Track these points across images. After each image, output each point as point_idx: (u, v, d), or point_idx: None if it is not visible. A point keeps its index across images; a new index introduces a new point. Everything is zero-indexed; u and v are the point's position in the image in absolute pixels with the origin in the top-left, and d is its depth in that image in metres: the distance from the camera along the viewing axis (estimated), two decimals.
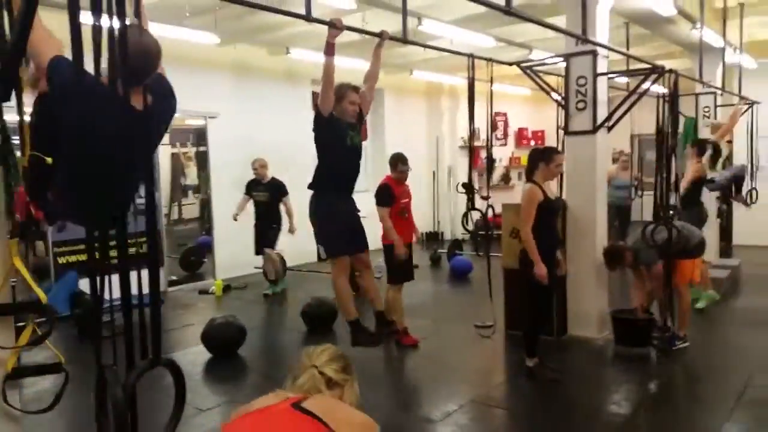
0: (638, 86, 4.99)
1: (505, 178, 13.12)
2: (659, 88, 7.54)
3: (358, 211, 4.26)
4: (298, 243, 7.19)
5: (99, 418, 1.49)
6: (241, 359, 4.87)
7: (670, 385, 4.37)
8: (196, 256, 8.57)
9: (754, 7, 7.58)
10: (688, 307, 4.86)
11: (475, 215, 5.24)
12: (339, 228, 4.08)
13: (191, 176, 9.77)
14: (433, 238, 11.58)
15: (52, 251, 6.25)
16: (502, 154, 13.13)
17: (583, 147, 5.01)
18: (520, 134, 13.63)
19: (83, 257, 5.81)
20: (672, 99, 4.72)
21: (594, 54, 4.85)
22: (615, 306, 5.21)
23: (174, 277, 7.98)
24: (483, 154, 12.17)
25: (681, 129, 8.52)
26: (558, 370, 4.36)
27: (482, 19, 6.84)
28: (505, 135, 13.30)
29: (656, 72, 4.83)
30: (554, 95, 5.45)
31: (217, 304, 7.00)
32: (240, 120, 8.25)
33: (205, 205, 8.58)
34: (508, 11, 3.19)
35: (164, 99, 1.81)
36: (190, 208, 9.78)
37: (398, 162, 5.17)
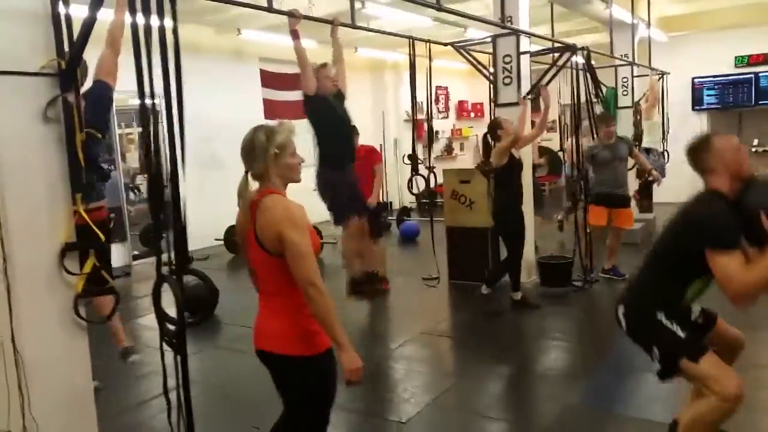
0: (556, 62, 5.72)
1: (448, 149, 13.84)
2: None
3: (355, 180, 4.83)
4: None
5: (157, 306, 2.12)
6: (214, 315, 5.40)
7: (587, 312, 5.25)
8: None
9: None
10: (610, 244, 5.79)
11: (419, 180, 5.94)
12: (342, 197, 4.63)
13: (133, 159, 10.05)
14: (382, 207, 12.23)
15: None
16: (445, 126, 13.84)
17: (510, 117, 5.71)
18: (461, 107, 14.36)
19: None
20: (585, 72, 5.48)
21: (517, 35, 5.53)
22: (540, 255, 6.04)
23: (136, 252, 8.35)
24: (426, 126, 12.92)
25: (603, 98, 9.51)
26: (537, 304, 5.19)
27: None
28: (447, 108, 14.00)
29: (570, 49, 5.56)
30: (485, 71, 6.13)
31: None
32: (191, 98, 8.54)
33: None
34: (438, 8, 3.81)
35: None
36: (145, 187, 10.11)
37: None
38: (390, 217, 10.22)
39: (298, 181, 2.16)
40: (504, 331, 4.77)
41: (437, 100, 13.57)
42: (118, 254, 7.53)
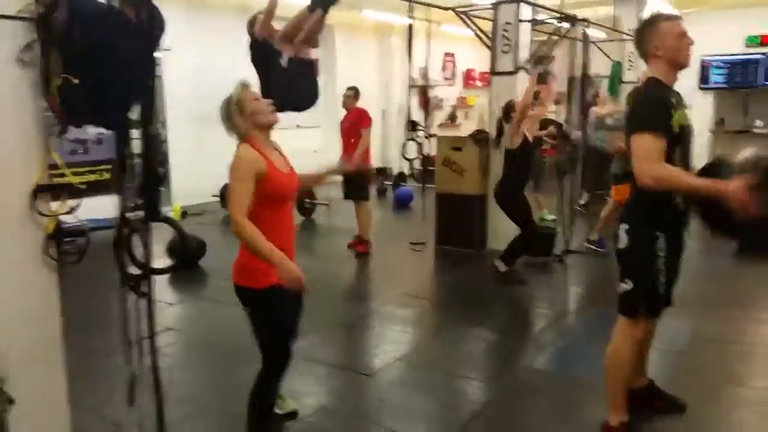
0: (554, 33, 5.68)
1: (452, 117, 13.70)
2: (596, 33, 8.22)
3: None
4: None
5: (117, 251, 2.21)
6: (201, 268, 5.53)
7: (563, 279, 5.37)
8: None
9: None
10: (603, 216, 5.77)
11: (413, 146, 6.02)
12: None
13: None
14: (382, 172, 12.22)
15: None
16: (450, 94, 13.72)
17: (506, 86, 5.71)
18: (468, 75, 14.19)
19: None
20: (584, 45, 5.46)
21: (518, 2, 5.49)
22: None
23: (132, 205, 8.47)
24: (431, 93, 12.81)
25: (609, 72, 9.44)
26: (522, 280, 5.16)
27: None
28: (453, 76, 13.86)
29: (570, 20, 5.51)
30: (485, 39, 6.09)
31: None
32: (194, 53, 8.55)
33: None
34: None
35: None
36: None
37: None
38: (387, 182, 10.29)
39: (271, 121, 2.35)
40: (483, 296, 4.87)
41: (444, 67, 13.44)
42: (114, 206, 7.67)
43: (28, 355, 2.22)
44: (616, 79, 9.32)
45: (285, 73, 4.44)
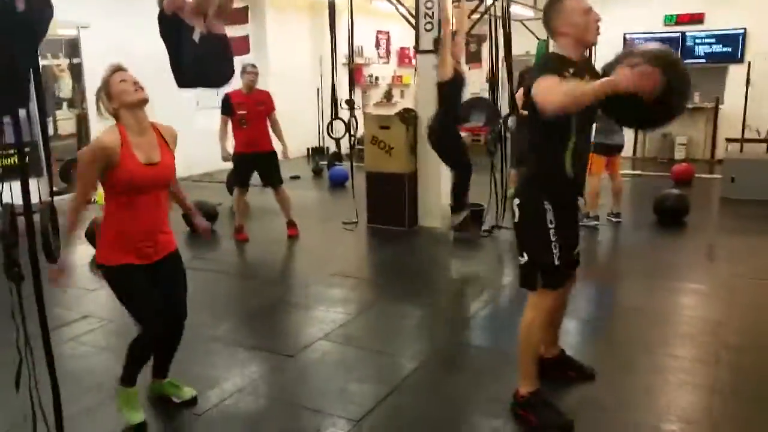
0: (474, 10, 5.71)
1: (388, 95, 13.65)
2: (522, 11, 8.30)
3: None
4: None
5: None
6: None
7: (492, 254, 5.48)
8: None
9: None
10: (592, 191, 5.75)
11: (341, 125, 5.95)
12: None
13: (65, 89, 9.62)
14: (318, 152, 12.07)
15: None
16: (385, 72, 13.65)
17: (430, 64, 5.71)
18: (402, 53, 14.16)
19: None
20: (504, 22, 5.52)
21: None
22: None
23: (56, 189, 8.12)
24: (366, 72, 12.71)
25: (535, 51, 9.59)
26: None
27: None
28: (388, 53, 13.79)
29: None
30: (409, 17, 6.06)
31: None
32: (113, 30, 8.15)
33: (82, 120, 8.59)
34: None
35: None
36: (67, 123, 9.68)
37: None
38: (322, 162, 10.20)
39: (137, 99, 2.43)
40: (412, 274, 4.90)
41: (378, 45, 13.35)
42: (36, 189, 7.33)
43: None
44: (541, 57, 9.48)
45: (196, 48, 4.29)
